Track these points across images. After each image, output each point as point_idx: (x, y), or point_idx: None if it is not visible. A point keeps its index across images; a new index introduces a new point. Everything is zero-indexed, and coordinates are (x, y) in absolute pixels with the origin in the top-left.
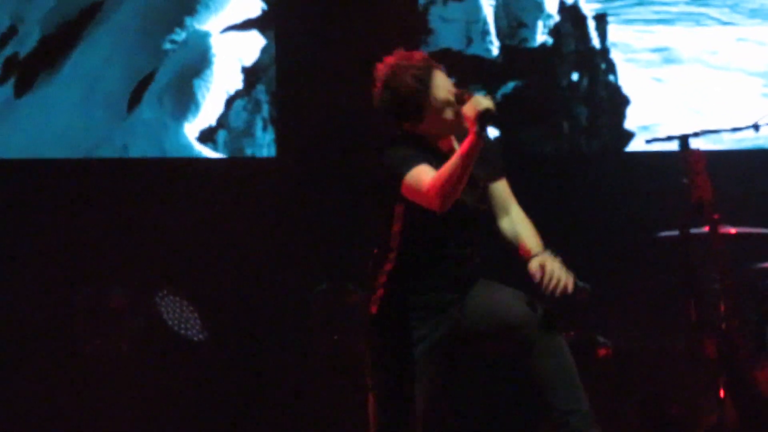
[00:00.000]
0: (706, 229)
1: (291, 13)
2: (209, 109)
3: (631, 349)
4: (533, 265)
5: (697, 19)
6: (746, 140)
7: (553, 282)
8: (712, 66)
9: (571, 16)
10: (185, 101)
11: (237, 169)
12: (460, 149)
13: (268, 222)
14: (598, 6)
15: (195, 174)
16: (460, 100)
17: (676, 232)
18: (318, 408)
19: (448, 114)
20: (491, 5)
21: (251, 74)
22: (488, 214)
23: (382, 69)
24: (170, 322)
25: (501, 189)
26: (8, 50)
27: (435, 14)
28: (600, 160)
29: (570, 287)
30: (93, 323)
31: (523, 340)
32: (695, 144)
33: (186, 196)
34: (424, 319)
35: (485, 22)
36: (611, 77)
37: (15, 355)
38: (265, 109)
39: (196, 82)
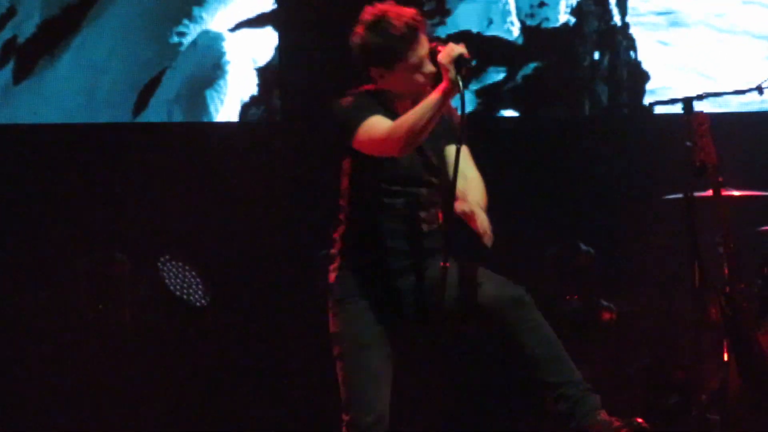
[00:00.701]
0: (709, 192)
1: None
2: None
3: (635, 312)
4: (461, 206)
5: None
6: (753, 104)
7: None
8: (717, 29)
9: None
10: (197, 114)
11: (240, 133)
12: (431, 94)
13: (272, 186)
14: None
15: (197, 139)
16: (434, 53)
17: (679, 195)
18: (320, 371)
19: (419, 77)
20: None
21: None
22: (442, 180)
23: (372, 10)
24: (173, 288)
25: (452, 153)
26: (7, 32)
27: None
28: (602, 123)
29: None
30: (95, 289)
31: (500, 320)
32: (699, 107)
33: (189, 161)
34: (378, 286)
35: (506, 2)
36: (632, 54)
37: (17, 321)
38: None
39: (209, 93)
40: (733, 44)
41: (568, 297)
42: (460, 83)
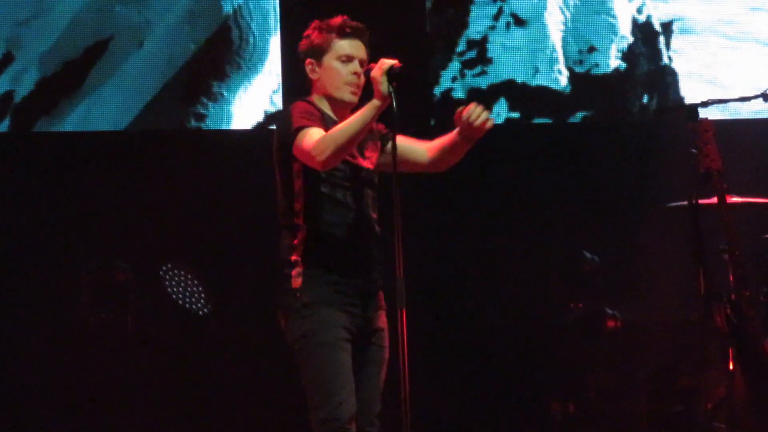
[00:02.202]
0: (714, 199)
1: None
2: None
3: (640, 320)
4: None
5: None
6: (763, 111)
7: (475, 114)
8: (726, 36)
9: (644, 34)
10: None
11: (244, 141)
12: (363, 108)
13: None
14: None
15: (200, 147)
16: (368, 71)
17: (684, 202)
18: None
19: (342, 69)
20: (560, 30)
21: None
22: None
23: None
24: (175, 296)
25: (402, 141)
26: (4, 83)
27: (495, 42)
28: (608, 130)
29: (488, 123)
30: (98, 297)
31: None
32: (704, 114)
33: (193, 169)
34: (343, 288)
35: (553, 49)
36: (676, 91)
37: (21, 328)
38: None
39: None
40: (741, 51)
41: (573, 304)
42: (392, 95)
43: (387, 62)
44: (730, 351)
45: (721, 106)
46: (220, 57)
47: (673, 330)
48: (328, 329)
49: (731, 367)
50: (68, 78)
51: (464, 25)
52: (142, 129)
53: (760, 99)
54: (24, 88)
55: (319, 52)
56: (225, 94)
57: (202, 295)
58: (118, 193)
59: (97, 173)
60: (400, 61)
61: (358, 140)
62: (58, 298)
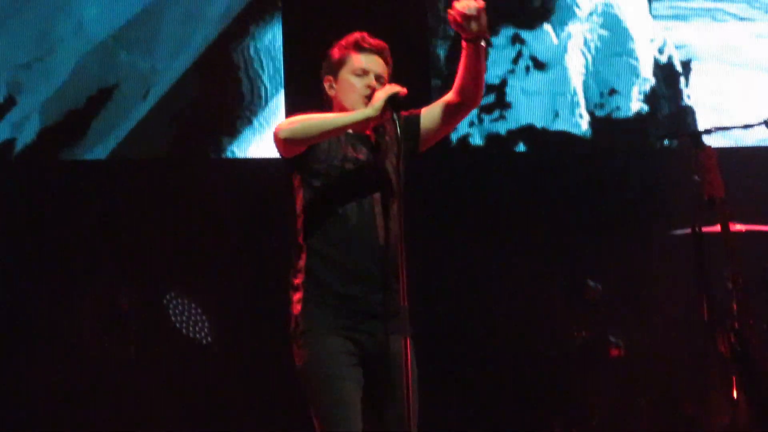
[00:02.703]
0: (718, 226)
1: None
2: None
3: (644, 348)
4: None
5: (713, 15)
6: (766, 139)
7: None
8: (729, 63)
9: (666, 75)
10: None
11: (246, 169)
12: (350, 112)
13: (279, 223)
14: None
15: (204, 174)
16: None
17: (688, 230)
18: None
19: (357, 81)
20: (581, 73)
21: None
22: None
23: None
24: (178, 324)
25: (427, 111)
26: (4, 130)
27: (515, 87)
28: (610, 157)
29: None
30: (101, 324)
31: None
32: (707, 141)
33: (194, 197)
34: (343, 316)
35: (574, 93)
36: (695, 128)
37: (22, 356)
38: None
39: None
40: (745, 79)
41: (576, 332)
42: (397, 122)
43: (393, 88)
44: (734, 378)
45: (724, 133)
46: (230, 112)
47: (677, 357)
48: (326, 359)
49: (735, 394)
50: (71, 128)
51: None
52: (146, 156)
53: (763, 126)
54: (26, 136)
55: (336, 68)
56: (235, 151)
57: (206, 324)
58: (122, 220)
59: (101, 200)
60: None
61: (327, 137)
62: (60, 325)
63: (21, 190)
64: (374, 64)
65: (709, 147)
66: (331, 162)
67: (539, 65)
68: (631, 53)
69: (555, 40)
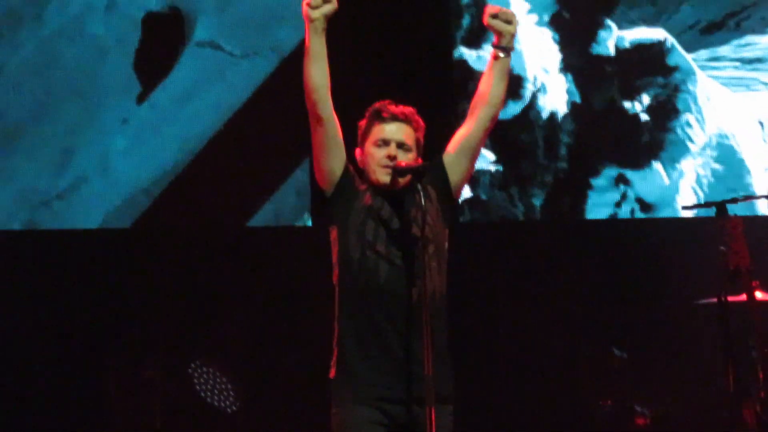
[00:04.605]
0: (743, 296)
1: None
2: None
3: (670, 418)
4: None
5: (747, 84)
6: None
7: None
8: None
9: None
10: None
11: (270, 237)
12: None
13: (302, 291)
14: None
15: (229, 243)
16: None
17: (714, 300)
18: None
19: (377, 152)
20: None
21: None
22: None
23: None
24: (204, 394)
25: (457, 139)
26: None
27: None
28: (636, 227)
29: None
30: (126, 394)
31: None
32: (732, 210)
33: (219, 265)
34: (371, 392)
35: None
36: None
37: (48, 424)
38: None
39: None
40: None
41: (602, 402)
42: (421, 192)
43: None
44: None
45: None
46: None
47: (703, 428)
48: (352, 428)
49: None
50: None
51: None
52: (165, 225)
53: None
54: None
55: (362, 139)
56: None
57: (231, 393)
58: (147, 290)
59: (125, 270)
60: None
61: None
62: (85, 395)
63: (42, 259)
64: (396, 132)
65: (735, 216)
66: (363, 236)
67: (646, 207)
68: (747, 188)
69: (666, 180)
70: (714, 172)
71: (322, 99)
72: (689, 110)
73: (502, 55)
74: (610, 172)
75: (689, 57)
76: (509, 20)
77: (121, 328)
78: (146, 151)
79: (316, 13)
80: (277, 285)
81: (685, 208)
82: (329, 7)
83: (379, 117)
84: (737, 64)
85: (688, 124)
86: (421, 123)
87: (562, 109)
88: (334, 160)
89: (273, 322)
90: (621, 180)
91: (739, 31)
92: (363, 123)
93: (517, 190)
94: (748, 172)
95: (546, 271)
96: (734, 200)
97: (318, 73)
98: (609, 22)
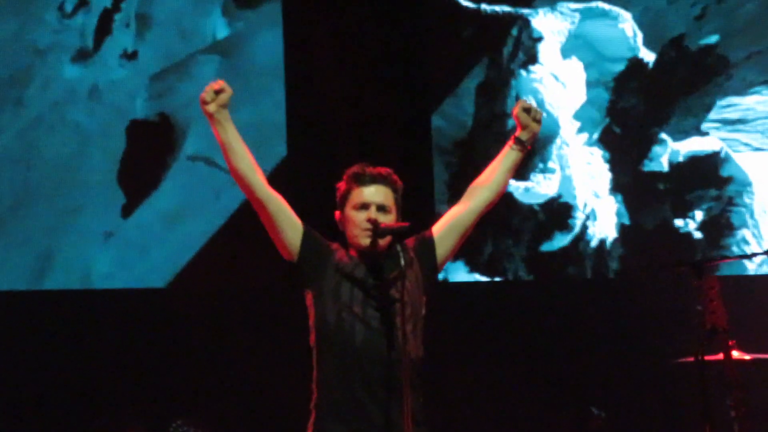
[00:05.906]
0: (720, 355)
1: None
2: None
3: None
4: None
5: (729, 145)
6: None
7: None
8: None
9: None
10: None
11: (249, 296)
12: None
13: (285, 352)
14: None
15: (206, 304)
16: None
17: (691, 359)
18: None
19: (356, 215)
20: None
21: None
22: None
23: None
24: None
25: (450, 216)
26: None
27: None
28: (612, 287)
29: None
30: None
31: None
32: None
33: (199, 325)
34: None
35: None
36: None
37: None
38: None
39: None
40: (759, 209)
41: None
42: (401, 253)
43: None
44: None
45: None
46: None
47: None
48: None
49: None
50: None
51: None
52: (149, 288)
53: (766, 256)
54: None
55: (341, 203)
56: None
57: None
58: (128, 349)
59: (109, 330)
60: None
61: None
62: None
63: (26, 322)
64: (375, 194)
65: (712, 276)
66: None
67: None
68: None
69: None
70: None
71: (253, 183)
72: (745, 225)
73: (517, 148)
74: None
75: (745, 167)
76: (538, 120)
77: (101, 389)
78: (130, 277)
79: (213, 107)
80: (254, 343)
81: (661, 267)
82: (224, 97)
83: (357, 180)
84: (718, 125)
85: (745, 241)
86: (399, 183)
87: (611, 235)
88: (288, 233)
89: (255, 381)
90: None
91: (722, 92)
92: (342, 186)
93: None
94: None
95: (522, 330)
96: (711, 260)
97: (239, 161)
98: (663, 135)
